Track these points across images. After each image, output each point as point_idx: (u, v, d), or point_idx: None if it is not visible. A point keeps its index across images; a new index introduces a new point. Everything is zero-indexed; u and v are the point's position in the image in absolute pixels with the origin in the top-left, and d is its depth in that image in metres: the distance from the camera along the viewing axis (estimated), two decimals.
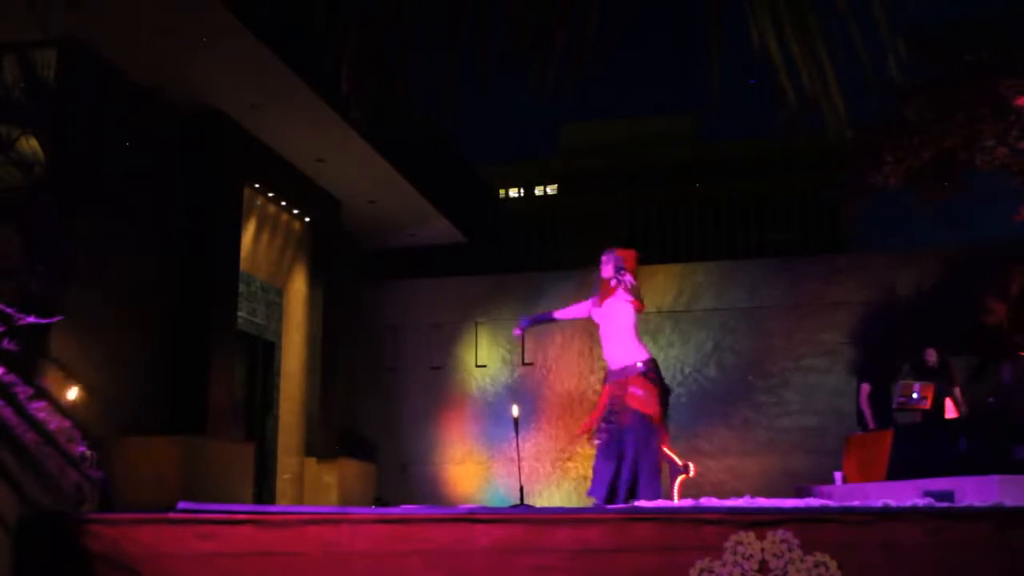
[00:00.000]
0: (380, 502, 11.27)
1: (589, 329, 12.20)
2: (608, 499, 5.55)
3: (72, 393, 7.12)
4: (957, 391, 9.06)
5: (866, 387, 9.39)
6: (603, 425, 5.68)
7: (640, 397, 5.60)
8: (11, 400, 4.01)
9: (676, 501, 5.74)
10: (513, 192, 47.47)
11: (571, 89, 2.36)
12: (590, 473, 5.81)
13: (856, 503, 4.56)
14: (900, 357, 10.35)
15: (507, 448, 11.86)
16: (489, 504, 11.37)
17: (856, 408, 9.61)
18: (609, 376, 5.77)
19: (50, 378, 6.64)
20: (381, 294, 13.19)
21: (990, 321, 10.37)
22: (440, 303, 13.00)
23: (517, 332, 6.29)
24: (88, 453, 5.27)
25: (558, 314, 6.24)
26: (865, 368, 9.74)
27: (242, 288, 10.30)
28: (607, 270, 5.92)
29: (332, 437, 11.60)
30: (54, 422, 4.18)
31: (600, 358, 12.42)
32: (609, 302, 5.85)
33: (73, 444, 4.35)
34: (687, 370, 12.05)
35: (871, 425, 9.15)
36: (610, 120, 47.89)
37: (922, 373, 9.22)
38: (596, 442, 5.72)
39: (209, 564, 3.82)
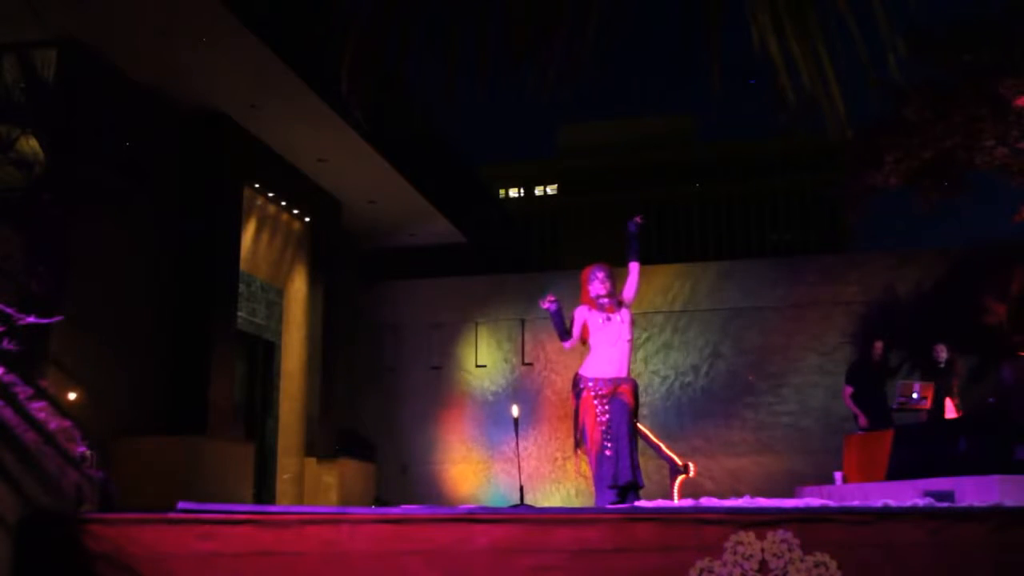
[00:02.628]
0: (380, 502, 11.27)
1: None
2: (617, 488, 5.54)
3: (72, 393, 7.12)
4: (954, 388, 9.07)
5: (848, 388, 9.41)
6: (602, 419, 5.69)
7: (628, 392, 5.78)
8: (11, 400, 4.01)
9: (676, 501, 5.74)
10: (513, 192, 47.50)
11: (571, 89, 2.36)
12: (590, 472, 5.76)
13: (856, 503, 4.56)
14: (893, 357, 10.36)
15: (507, 448, 11.87)
16: (489, 504, 11.37)
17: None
18: (594, 383, 5.78)
19: (50, 378, 6.64)
20: (381, 294, 13.19)
21: (990, 321, 10.38)
22: (440, 303, 13.00)
23: (550, 306, 5.86)
24: (88, 453, 5.27)
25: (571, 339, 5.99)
26: (850, 369, 9.75)
27: (242, 288, 10.30)
28: (607, 285, 5.92)
29: (332, 437, 11.60)
30: (54, 422, 4.18)
31: None
32: (615, 317, 5.88)
33: (73, 444, 4.35)
34: (687, 370, 12.05)
35: (862, 423, 9.16)
36: (610, 120, 47.89)
37: (932, 370, 9.22)
38: (599, 443, 5.68)
39: (209, 564, 3.82)
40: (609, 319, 5.87)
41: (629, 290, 6.02)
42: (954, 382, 9.16)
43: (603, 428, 5.63)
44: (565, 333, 5.89)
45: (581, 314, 5.93)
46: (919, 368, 10.68)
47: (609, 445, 5.58)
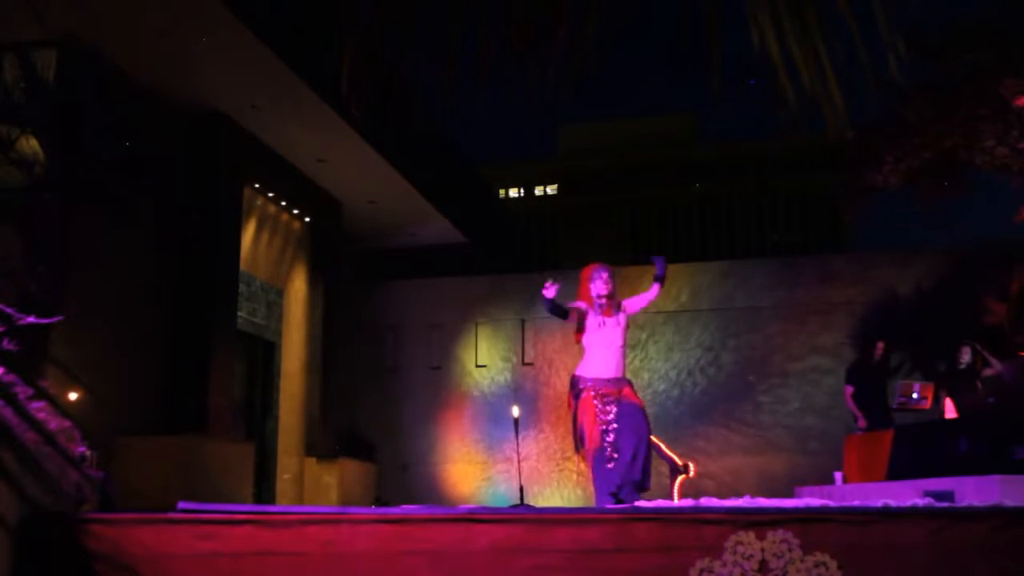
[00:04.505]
0: (380, 502, 11.27)
1: None
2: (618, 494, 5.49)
3: (72, 393, 7.12)
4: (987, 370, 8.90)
5: (849, 388, 9.42)
6: (602, 418, 5.61)
7: (633, 393, 5.74)
8: (11, 400, 4.01)
9: (676, 501, 5.73)
10: (513, 192, 47.48)
11: (571, 90, 2.36)
12: (590, 472, 5.72)
13: (856, 503, 4.56)
14: (892, 358, 10.36)
15: (507, 448, 11.87)
16: (489, 504, 11.37)
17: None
18: (594, 383, 5.69)
19: (50, 378, 6.63)
20: (381, 294, 13.19)
21: (990, 321, 10.37)
22: (440, 303, 13.00)
23: (550, 292, 5.72)
24: (88, 453, 5.27)
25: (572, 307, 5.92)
26: (850, 369, 9.75)
27: (242, 288, 10.30)
28: (609, 286, 5.83)
29: (332, 437, 11.60)
30: (54, 422, 4.18)
31: None
32: (610, 321, 5.80)
33: (73, 444, 4.35)
34: (687, 370, 12.04)
35: (861, 423, 9.17)
36: (610, 120, 47.91)
37: (953, 372, 9.18)
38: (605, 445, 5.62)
39: (209, 564, 3.82)
40: (604, 323, 5.77)
41: (636, 303, 5.91)
42: (977, 384, 9.07)
43: (603, 428, 5.57)
44: (564, 313, 5.77)
45: (579, 307, 5.81)
46: (920, 368, 10.68)
47: (609, 445, 5.52)
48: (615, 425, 5.56)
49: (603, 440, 5.55)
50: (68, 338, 7.37)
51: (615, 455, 5.51)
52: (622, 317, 5.85)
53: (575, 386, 5.80)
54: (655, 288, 5.92)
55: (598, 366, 5.76)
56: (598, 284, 5.82)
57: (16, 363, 4.26)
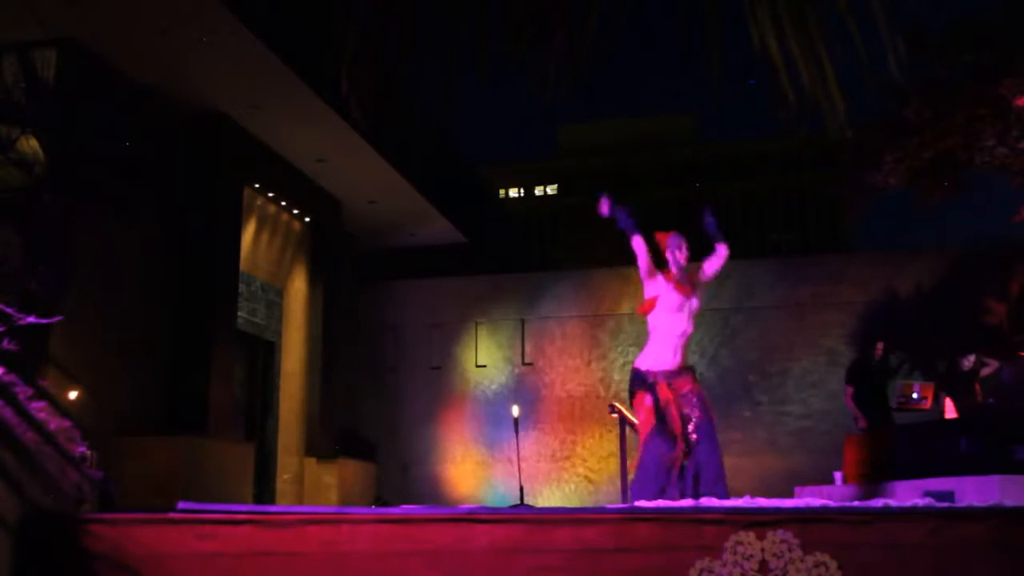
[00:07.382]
0: (380, 502, 11.27)
1: (589, 330, 12.23)
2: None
3: (72, 393, 7.12)
4: (976, 392, 8.94)
5: (849, 388, 9.42)
6: (688, 412, 5.07)
7: (701, 391, 5.30)
8: (11, 400, 4.01)
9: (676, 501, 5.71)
10: (513, 192, 47.50)
11: (570, 89, 2.36)
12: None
13: (856, 503, 4.56)
14: (892, 358, 10.35)
15: (507, 448, 11.86)
16: (489, 504, 11.36)
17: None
18: (664, 375, 5.19)
19: (50, 378, 6.63)
20: (381, 294, 13.19)
21: (990, 321, 10.37)
22: (440, 303, 13.00)
23: (606, 209, 5.12)
24: (88, 453, 5.27)
25: (637, 244, 5.23)
26: (850, 369, 9.75)
27: (242, 288, 10.30)
28: (686, 257, 5.21)
29: (332, 437, 11.60)
30: (54, 422, 4.18)
31: (600, 358, 12.54)
32: (687, 304, 5.25)
33: (73, 444, 4.35)
34: None
35: (861, 423, 9.17)
36: (610, 120, 47.95)
37: (955, 375, 9.18)
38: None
39: (209, 564, 3.82)
40: (682, 305, 5.23)
41: (712, 265, 5.35)
42: (976, 387, 9.07)
43: (684, 423, 5.07)
44: (634, 228, 5.02)
45: (655, 283, 5.15)
46: (920, 368, 10.68)
47: (685, 447, 5.07)
48: (694, 436, 5.11)
49: (682, 436, 5.05)
50: (68, 338, 7.37)
51: (686, 461, 5.05)
52: (695, 302, 5.30)
53: (643, 382, 5.19)
54: (721, 249, 5.32)
55: (662, 356, 5.21)
56: (678, 254, 5.26)
57: (16, 363, 4.26)
